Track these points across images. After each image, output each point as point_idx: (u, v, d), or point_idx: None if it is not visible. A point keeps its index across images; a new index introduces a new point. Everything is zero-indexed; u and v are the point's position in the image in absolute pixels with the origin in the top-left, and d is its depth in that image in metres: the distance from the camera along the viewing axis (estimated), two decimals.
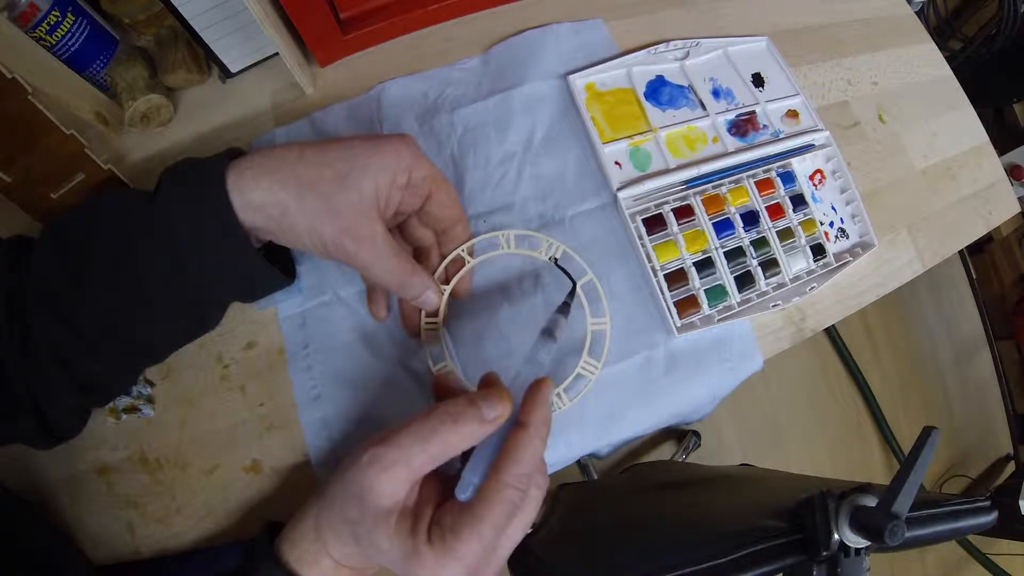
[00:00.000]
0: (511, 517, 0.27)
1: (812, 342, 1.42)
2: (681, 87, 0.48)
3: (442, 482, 0.30)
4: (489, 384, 0.30)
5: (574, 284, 0.36)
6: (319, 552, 0.29)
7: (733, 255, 0.43)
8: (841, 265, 0.45)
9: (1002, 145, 1.40)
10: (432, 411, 0.28)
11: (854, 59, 0.54)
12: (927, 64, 0.57)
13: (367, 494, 0.26)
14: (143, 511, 0.37)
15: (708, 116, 0.47)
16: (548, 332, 0.33)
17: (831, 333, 1.42)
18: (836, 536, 0.32)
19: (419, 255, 0.39)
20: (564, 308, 0.35)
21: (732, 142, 0.47)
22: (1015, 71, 1.32)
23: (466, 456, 0.29)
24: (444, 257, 0.38)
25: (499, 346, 0.39)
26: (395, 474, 0.26)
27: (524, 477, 0.27)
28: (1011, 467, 1.48)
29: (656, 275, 0.41)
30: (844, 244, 0.47)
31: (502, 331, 0.39)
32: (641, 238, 0.42)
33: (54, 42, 0.40)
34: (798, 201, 0.46)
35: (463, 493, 0.28)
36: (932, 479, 1.44)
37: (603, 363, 0.37)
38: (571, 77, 0.45)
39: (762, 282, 0.43)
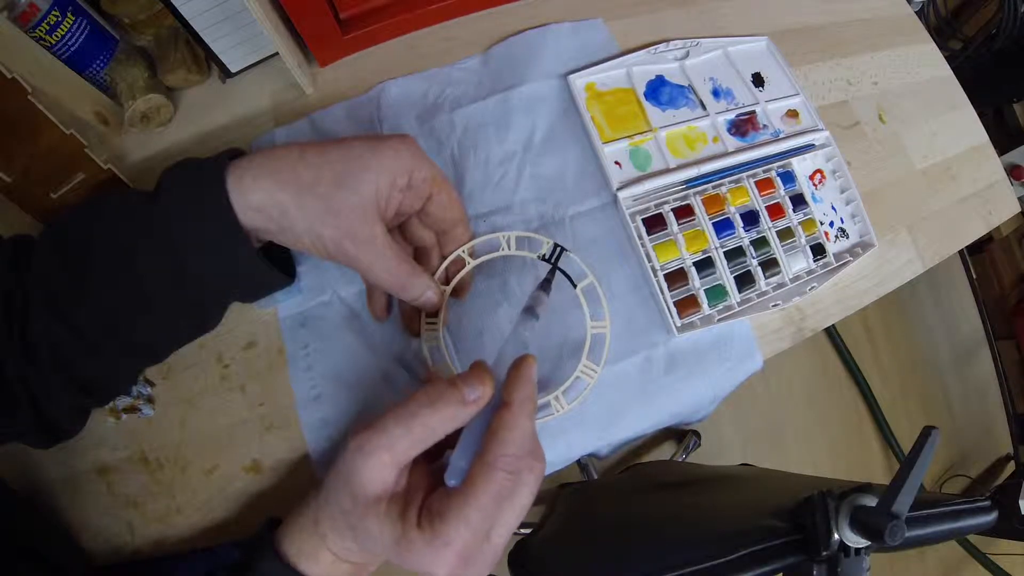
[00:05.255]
0: (501, 501, 0.27)
1: (812, 342, 1.42)
2: (681, 87, 0.48)
3: (434, 468, 0.30)
4: (474, 368, 0.30)
5: (556, 258, 0.35)
6: (318, 546, 0.29)
7: (733, 255, 0.43)
8: (841, 265, 0.45)
9: (1002, 145, 1.40)
10: (414, 395, 0.28)
11: (854, 59, 0.54)
12: (927, 64, 0.57)
13: (355, 481, 0.27)
14: (143, 511, 0.37)
15: (708, 116, 0.47)
16: (530, 310, 0.33)
17: (831, 333, 1.42)
18: (836, 536, 0.32)
19: (419, 255, 0.39)
20: (545, 285, 0.35)
21: (732, 142, 0.47)
22: (1015, 71, 1.32)
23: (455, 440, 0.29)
24: (444, 258, 0.38)
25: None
26: (379, 459, 0.26)
27: (512, 459, 0.27)
28: (1011, 467, 1.48)
29: (656, 275, 0.41)
30: (844, 244, 0.47)
31: (502, 331, 0.39)
32: (641, 238, 0.42)
33: (54, 42, 0.40)
34: (798, 201, 0.46)
35: (451, 478, 0.28)
36: (932, 479, 1.44)
37: (602, 366, 0.37)
38: (571, 77, 0.45)
39: (762, 282, 0.43)
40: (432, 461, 0.31)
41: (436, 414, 0.27)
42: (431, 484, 0.29)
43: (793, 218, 0.45)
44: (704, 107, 0.47)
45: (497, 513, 0.27)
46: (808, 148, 0.47)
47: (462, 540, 0.26)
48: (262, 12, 0.35)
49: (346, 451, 0.27)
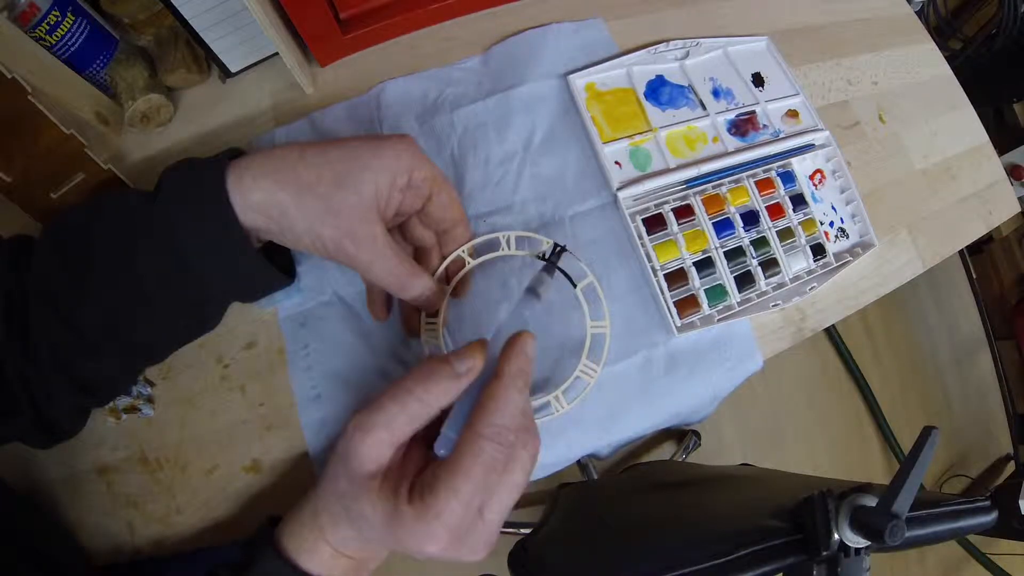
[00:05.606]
0: (491, 473, 0.26)
1: (812, 342, 1.42)
2: (681, 87, 0.48)
3: (428, 449, 0.30)
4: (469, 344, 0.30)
5: (556, 257, 0.36)
6: (317, 539, 0.29)
7: (733, 255, 0.43)
8: (841, 265, 0.45)
9: (1002, 145, 1.40)
10: (408, 373, 0.28)
11: (854, 59, 0.54)
12: (927, 64, 0.57)
13: (351, 461, 0.27)
14: (143, 511, 0.37)
15: (708, 116, 0.47)
16: (532, 291, 0.33)
17: (831, 333, 1.42)
18: (836, 536, 0.32)
19: (419, 255, 0.39)
20: (549, 267, 0.35)
21: (732, 142, 0.47)
22: (1015, 71, 1.32)
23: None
24: (444, 258, 0.38)
25: (499, 346, 0.39)
26: (376, 437, 0.27)
27: (502, 430, 0.27)
28: (1011, 467, 1.48)
29: (656, 275, 0.41)
30: (844, 244, 0.47)
31: (502, 331, 0.39)
32: (641, 238, 0.42)
33: (54, 42, 0.40)
34: (798, 201, 0.46)
35: (440, 448, 0.28)
36: (932, 479, 1.44)
37: (602, 365, 0.37)
38: (571, 77, 0.45)
39: (762, 282, 0.43)
40: (429, 444, 0.31)
41: (430, 389, 0.27)
42: (425, 464, 0.29)
43: (793, 218, 0.45)
44: (704, 107, 0.47)
45: (488, 487, 0.27)
46: (808, 148, 0.48)
47: (452, 513, 0.26)
48: (262, 12, 0.35)
49: (344, 432, 0.28)
